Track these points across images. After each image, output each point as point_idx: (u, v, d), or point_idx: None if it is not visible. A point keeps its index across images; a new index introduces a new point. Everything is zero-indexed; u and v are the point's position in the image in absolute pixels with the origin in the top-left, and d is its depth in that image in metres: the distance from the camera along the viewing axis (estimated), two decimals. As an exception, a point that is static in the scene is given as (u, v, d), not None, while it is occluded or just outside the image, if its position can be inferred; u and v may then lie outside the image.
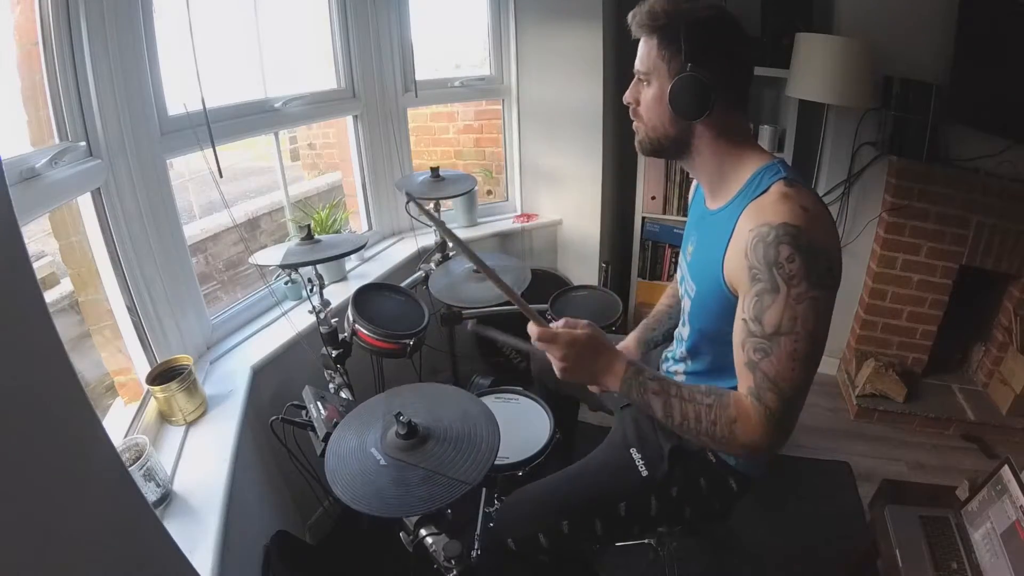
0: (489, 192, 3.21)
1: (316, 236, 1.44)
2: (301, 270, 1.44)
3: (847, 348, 2.55)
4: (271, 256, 1.37)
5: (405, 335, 1.43)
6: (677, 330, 1.14)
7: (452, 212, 2.51)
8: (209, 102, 1.36)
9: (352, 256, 1.97)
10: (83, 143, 1.18)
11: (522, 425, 1.42)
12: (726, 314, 0.89)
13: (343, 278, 2.00)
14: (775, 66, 2.18)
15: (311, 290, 1.44)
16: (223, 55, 1.69)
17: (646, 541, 1.56)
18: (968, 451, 2.16)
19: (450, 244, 1.07)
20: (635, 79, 0.93)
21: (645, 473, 1.09)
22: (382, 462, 0.94)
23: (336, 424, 1.11)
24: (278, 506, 1.57)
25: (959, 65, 1.97)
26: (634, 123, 0.96)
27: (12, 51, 1.11)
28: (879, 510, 1.45)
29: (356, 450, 0.97)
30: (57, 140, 1.16)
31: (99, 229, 1.25)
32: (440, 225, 0.94)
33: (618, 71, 2.42)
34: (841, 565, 1.63)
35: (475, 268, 1.08)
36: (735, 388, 0.88)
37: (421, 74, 2.20)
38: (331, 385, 1.46)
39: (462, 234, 2.44)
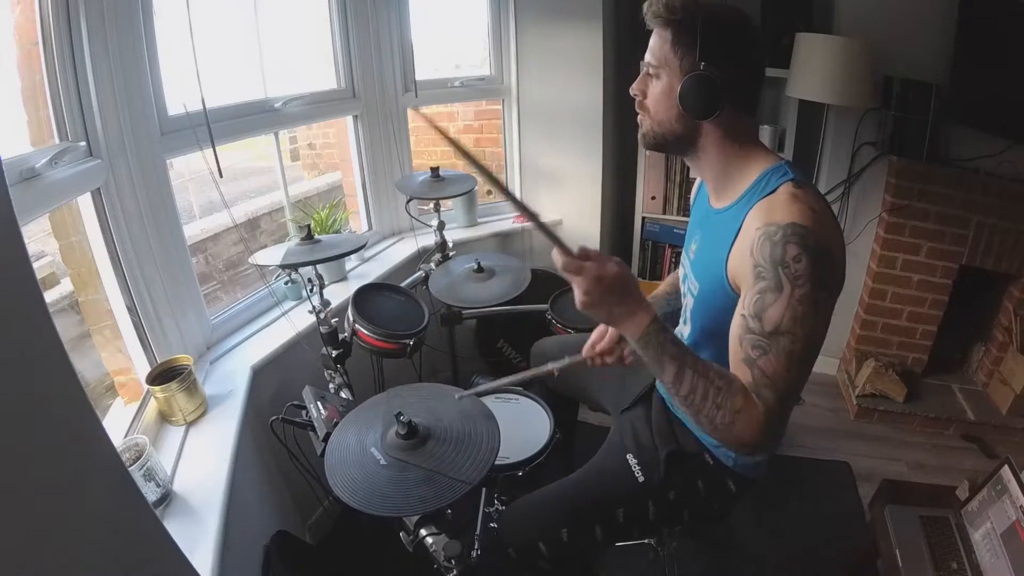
0: (489, 192, 3.21)
1: (316, 236, 1.44)
2: (301, 270, 1.44)
3: (847, 348, 2.55)
4: (271, 256, 1.37)
5: (405, 335, 1.43)
6: (677, 328, 1.13)
7: (452, 212, 2.51)
8: (209, 102, 1.36)
9: (352, 256, 1.97)
10: (83, 143, 1.18)
11: (522, 425, 1.42)
12: (729, 312, 0.88)
13: (343, 278, 2.00)
14: (775, 66, 2.17)
15: (311, 290, 1.44)
16: (223, 55, 1.69)
17: (646, 541, 1.57)
18: (968, 451, 2.16)
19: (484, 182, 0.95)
20: (643, 71, 0.91)
21: (641, 479, 1.09)
22: (382, 462, 0.94)
23: (336, 424, 1.11)
24: (278, 506, 1.57)
25: (959, 65, 1.97)
26: (639, 115, 0.94)
27: (12, 51, 1.11)
28: (879, 510, 1.45)
29: (356, 450, 0.97)
30: (57, 140, 1.16)
31: (99, 229, 1.25)
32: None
33: (618, 71, 2.42)
34: (841, 565, 1.63)
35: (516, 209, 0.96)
36: None
37: (421, 74, 2.20)
38: (331, 385, 1.46)
39: (462, 234, 2.44)
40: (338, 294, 1.81)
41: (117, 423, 1.24)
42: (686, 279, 1.05)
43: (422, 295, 1.68)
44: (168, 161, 1.41)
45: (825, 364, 2.59)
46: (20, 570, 0.53)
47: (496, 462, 0.97)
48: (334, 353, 1.46)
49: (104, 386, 1.41)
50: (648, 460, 1.10)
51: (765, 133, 2.32)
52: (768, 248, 0.78)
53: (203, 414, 1.32)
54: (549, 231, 0.79)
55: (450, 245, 1.94)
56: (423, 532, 0.96)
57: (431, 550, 0.94)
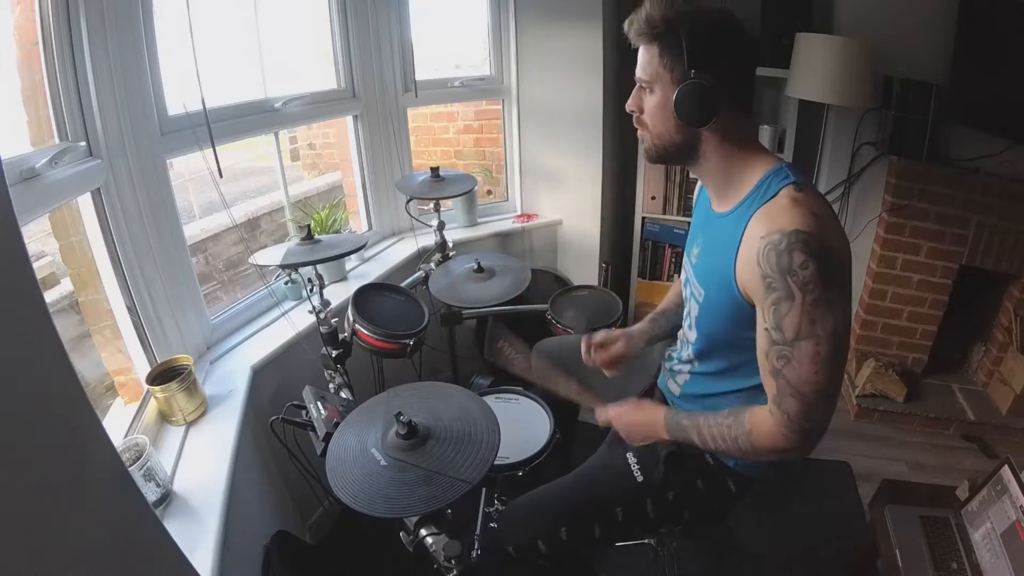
0: (489, 192, 3.21)
1: (316, 236, 1.44)
2: (301, 270, 1.44)
3: (847, 348, 2.55)
4: (271, 256, 1.37)
5: (405, 335, 1.43)
6: (681, 332, 1.13)
7: (452, 212, 2.51)
8: (209, 102, 1.36)
9: (352, 256, 1.97)
10: (83, 143, 1.18)
11: (522, 425, 1.42)
12: (737, 320, 0.88)
13: (343, 278, 2.00)
14: (775, 66, 2.18)
15: (311, 290, 1.44)
16: (223, 55, 1.69)
17: (646, 541, 1.56)
18: (968, 451, 2.16)
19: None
20: (637, 86, 0.91)
21: (640, 478, 1.09)
22: (382, 462, 0.94)
23: (336, 424, 1.11)
24: (278, 506, 1.57)
25: (959, 65, 1.97)
26: (639, 131, 0.94)
27: (12, 51, 1.11)
28: (879, 510, 1.45)
29: (356, 450, 0.97)
30: (57, 140, 1.16)
31: (99, 229, 1.25)
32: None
33: (618, 71, 2.42)
34: (841, 565, 1.63)
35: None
36: (748, 388, 0.92)
37: (421, 74, 2.20)
38: (331, 385, 1.46)
39: (462, 234, 2.44)
40: (338, 294, 1.81)
41: (117, 423, 1.24)
42: (688, 284, 1.04)
43: (422, 295, 1.68)
44: (168, 161, 1.41)
45: (825, 364, 2.59)
46: (20, 570, 0.53)
47: (496, 462, 0.98)
48: (334, 353, 1.46)
49: (104, 386, 1.41)
50: (647, 459, 1.10)
51: (765, 133, 2.32)
52: (774, 257, 0.78)
53: (203, 414, 1.32)
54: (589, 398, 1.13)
55: (450, 245, 1.94)
56: (423, 532, 0.96)
57: (431, 550, 0.94)
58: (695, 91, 0.83)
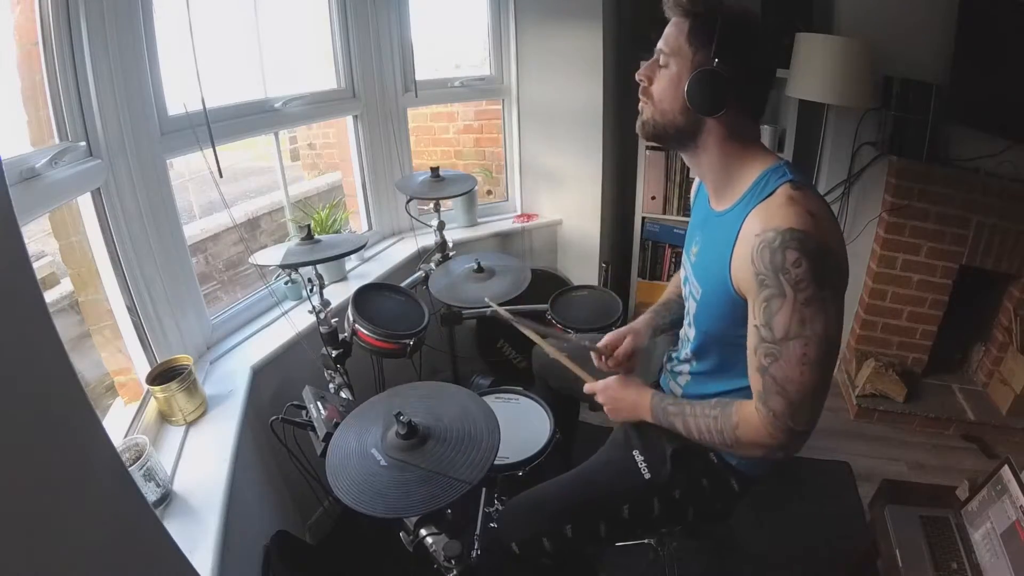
0: (489, 192, 3.21)
1: (316, 236, 1.44)
2: (301, 270, 1.44)
3: (847, 348, 2.55)
4: (271, 256, 1.37)
5: (405, 335, 1.43)
6: (682, 331, 1.13)
7: (452, 212, 2.51)
8: (209, 102, 1.36)
9: (352, 256, 1.97)
10: (83, 143, 1.18)
11: (522, 425, 1.42)
12: (733, 317, 0.88)
13: (343, 278, 2.00)
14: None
15: (311, 290, 1.44)
16: (223, 55, 1.69)
17: (646, 541, 1.56)
18: (968, 451, 2.16)
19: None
20: (652, 58, 0.90)
21: (648, 476, 1.09)
22: (382, 462, 0.94)
23: (336, 424, 1.11)
24: (278, 506, 1.57)
25: (959, 65, 1.97)
26: (640, 102, 0.92)
27: (12, 51, 1.11)
28: (879, 510, 1.45)
29: (356, 450, 0.97)
30: (57, 140, 1.16)
31: (99, 229, 1.25)
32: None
33: (618, 71, 2.41)
34: (841, 565, 1.63)
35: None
36: (746, 387, 0.90)
37: (421, 74, 2.20)
38: (331, 385, 1.46)
39: (462, 234, 2.44)
40: (338, 294, 1.81)
41: (117, 423, 1.24)
42: (687, 282, 1.04)
43: (422, 295, 1.68)
44: (168, 161, 1.41)
45: (825, 364, 2.59)
46: (20, 570, 0.53)
47: (496, 462, 0.98)
48: (334, 353, 1.46)
49: (104, 386, 1.41)
50: (655, 457, 1.09)
51: (765, 133, 2.32)
52: (768, 255, 0.78)
53: (203, 414, 1.32)
54: (575, 366, 1.15)
55: (450, 245, 1.94)
56: (423, 532, 0.96)
57: (431, 550, 0.94)
58: (712, 79, 0.83)
